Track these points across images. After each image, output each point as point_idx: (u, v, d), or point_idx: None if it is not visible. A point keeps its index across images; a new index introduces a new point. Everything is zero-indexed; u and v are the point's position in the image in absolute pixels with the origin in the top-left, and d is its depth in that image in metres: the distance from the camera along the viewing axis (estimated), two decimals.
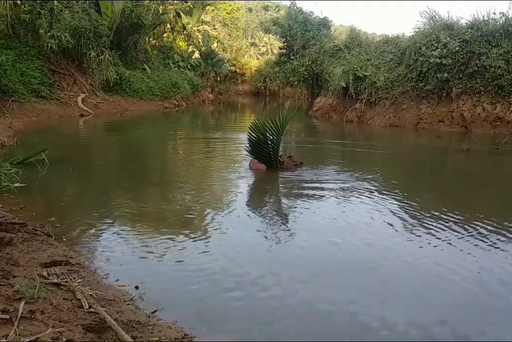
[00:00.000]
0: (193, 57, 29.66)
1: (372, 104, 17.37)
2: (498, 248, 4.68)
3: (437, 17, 16.50)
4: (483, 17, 15.19)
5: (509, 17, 14.81)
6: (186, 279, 3.84)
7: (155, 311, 3.24)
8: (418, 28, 16.90)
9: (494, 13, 15.14)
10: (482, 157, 10.65)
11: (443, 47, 14.91)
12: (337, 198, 6.55)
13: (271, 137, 7.99)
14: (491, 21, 15.02)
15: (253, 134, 7.90)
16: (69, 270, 3.59)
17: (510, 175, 9.15)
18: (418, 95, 16.16)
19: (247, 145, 8.19)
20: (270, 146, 8.07)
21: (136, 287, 3.60)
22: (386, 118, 16.75)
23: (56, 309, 2.82)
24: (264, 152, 8.09)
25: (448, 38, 14.93)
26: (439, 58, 14.86)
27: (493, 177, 8.82)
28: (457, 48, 14.65)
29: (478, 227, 5.27)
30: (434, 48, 15.11)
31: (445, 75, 14.93)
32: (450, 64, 14.84)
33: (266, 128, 7.85)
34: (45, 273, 3.39)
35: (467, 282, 3.91)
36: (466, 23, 15.57)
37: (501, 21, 14.90)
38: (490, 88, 14.58)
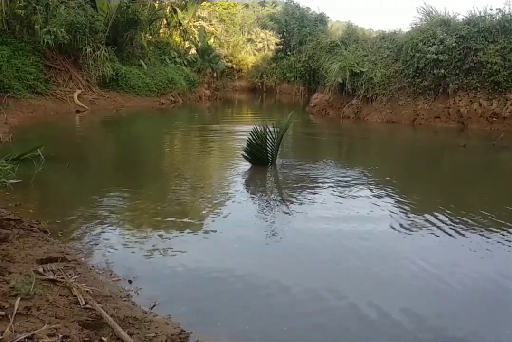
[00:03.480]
0: (190, 53, 29.53)
1: (369, 100, 17.36)
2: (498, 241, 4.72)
3: (433, 13, 16.50)
4: (480, 13, 15.22)
5: (506, 13, 14.82)
6: (183, 274, 3.84)
7: (154, 306, 3.24)
8: (415, 24, 16.91)
9: (491, 9, 15.20)
10: (479, 153, 10.67)
11: (439, 43, 14.90)
12: (334, 192, 6.57)
13: (269, 149, 8.06)
14: (487, 17, 15.03)
15: (253, 141, 7.87)
16: (65, 267, 3.58)
17: (507, 170, 9.19)
18: (414, 91, 16.16)
19: (244, 152, 8.14)
20: (269, 155, 8.14)
21: (130, 281, 3.61)
22: (383, 114, 16.75)
23: (52, 306, 2.82)
24: (262, 158, 8.12)
25: (445, 34, 14.92)
26: (436, 54, 14.85)
27: (490, 172, 8.84)
28: (453, 44, 14.65)
29: (474, 222, 5.30)
30: (431, 44, 15.10)
31: (442, 71, 14.93)
32: (447, 60, 14.84)
33: (266, 137, 7.88)
34: (41, 270, 3.38)
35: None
36: (462, 19, 15.58)
37: (497, 17, 14.91)
38: (486, 84, 14.59)
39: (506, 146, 11.10)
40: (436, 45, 14.92)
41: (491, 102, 14.58)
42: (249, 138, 7.83)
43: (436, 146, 12.04)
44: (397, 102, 16.61)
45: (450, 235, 4.93)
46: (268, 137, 7.88)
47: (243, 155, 8.14)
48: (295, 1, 26.90)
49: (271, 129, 7.85)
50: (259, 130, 7.78)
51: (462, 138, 12.44)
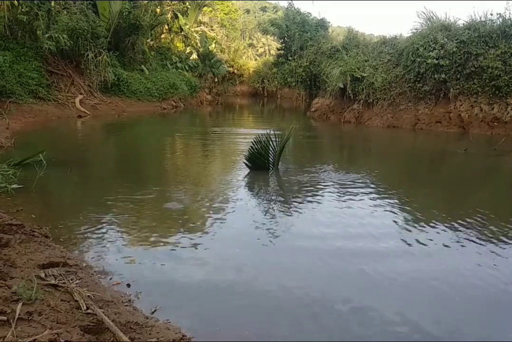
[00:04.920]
0: (191, 58, 29.68)
1: (370, 105, 17.40)
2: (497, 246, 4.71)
3: (434, 18, 16.55)
4: (480, 18, 15.26)
5: (506, 18, 14.87)
6: (183, 278, 3.83)
7: (154, 311, 3.24)
8: (416, 29, 16.97)
9: (491, 14, 15.26)
10: (480, 158, 10.66)
11: (440, 48, 14.95)
12: (335, 197, 6.56)
13: (271, 159, 8.11)
14: (488, 22, 15.09)
15: (255, 150, 7.91)
16: (67, 271, 3.58)
17: (509, 175, 9.18)
18: (415, 96, 16.19)
19: (245, 160, 8.18)
20: (271, 165, 8.19)
21: (128, 285, 3.61)
22: (384, 119, 16.77)
23: (53, 311, 2.81)
24: (264, 166, 8.15)
25: (446, 39, 14.97)
26: (437, 59, 14.90)
27: (492, 177, 8.83)
28: (454, 49, 14.70)
29: (474, 227, 5.29)
30: (431, 49, 15.15)
31: (443, 76, 14.97)
32: (448, 65, 14.88)
33: (268, 147, 7.94)
34: (42, 275, 3.38)
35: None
36: (463, 24, 15.64)
37: (498, 22, 14.97)
38: (487, 88, 14.62)
39: (507, 151, 11.08)
40: (436, 50, 14.97)
41: (492, 106, 14.60)
42: (251, 147, 7.88)
43: (437, 151, 12.03)
44: (398, 107, 16.64)
45: (456, 241, 4.92)
46: (270, 147, 7.96)
47: (245, 163, 8.18)
48: (295, 5, 26.94)
49: (273, 140, 7.95)
50: (261, 140, 7.83)
51: (463, 143, 12.43)
